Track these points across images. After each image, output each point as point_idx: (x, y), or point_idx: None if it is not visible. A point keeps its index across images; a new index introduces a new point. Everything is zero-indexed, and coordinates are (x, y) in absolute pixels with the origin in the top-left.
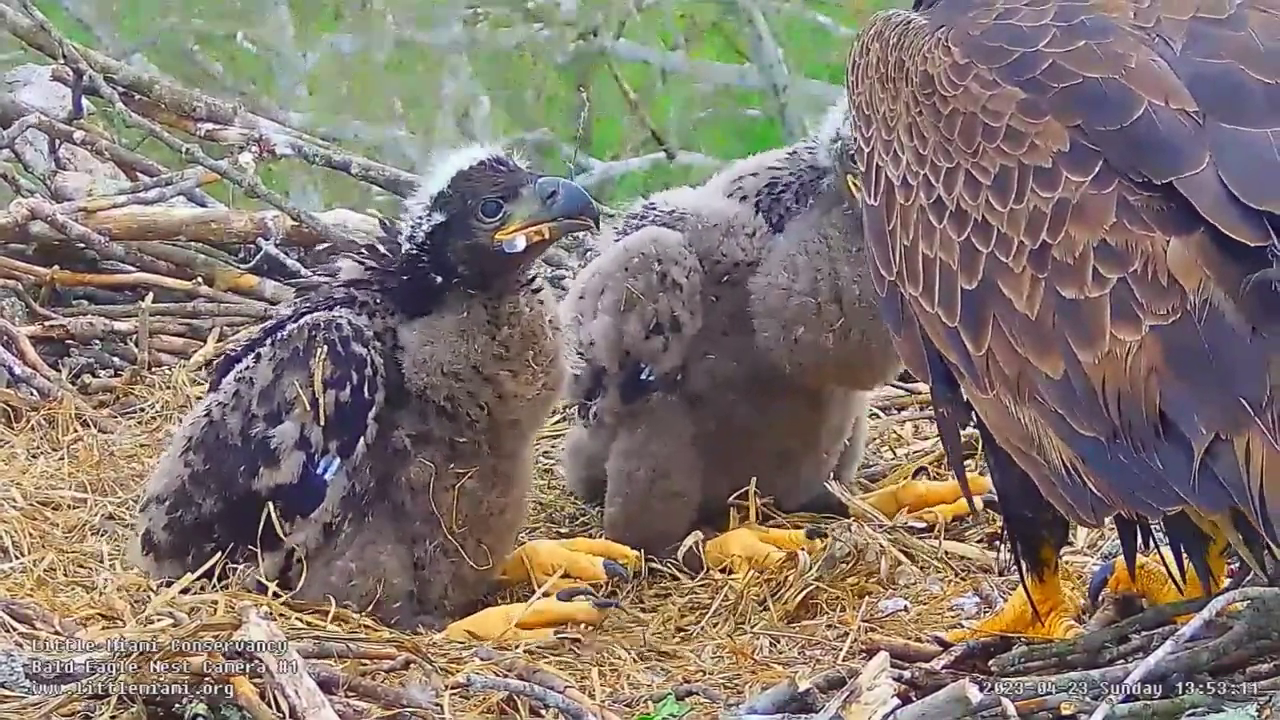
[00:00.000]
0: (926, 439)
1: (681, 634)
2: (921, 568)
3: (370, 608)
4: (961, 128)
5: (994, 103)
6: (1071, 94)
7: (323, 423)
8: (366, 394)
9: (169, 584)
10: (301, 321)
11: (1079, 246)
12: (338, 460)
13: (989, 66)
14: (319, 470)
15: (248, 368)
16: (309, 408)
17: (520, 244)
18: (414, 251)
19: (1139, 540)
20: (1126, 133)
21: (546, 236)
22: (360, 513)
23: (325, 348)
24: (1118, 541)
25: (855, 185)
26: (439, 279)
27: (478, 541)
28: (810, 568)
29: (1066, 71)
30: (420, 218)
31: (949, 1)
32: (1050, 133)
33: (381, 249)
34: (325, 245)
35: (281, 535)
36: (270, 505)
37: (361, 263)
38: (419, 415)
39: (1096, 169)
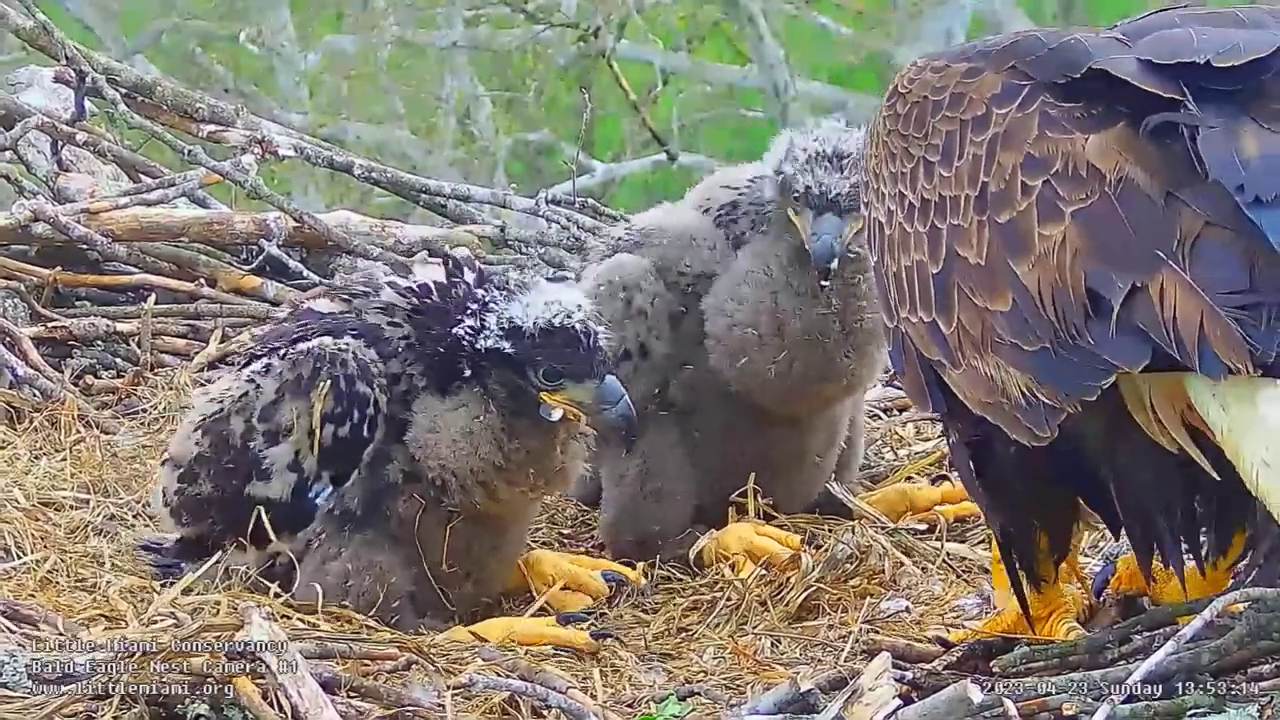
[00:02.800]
0: (928, 440)
1: (684, 634)
2: (923, 569)
3: (370, 607)
4: (916, 118)
5: (941, 80)
6: (1008, 48)
7: (317, 453)
8: (366, 432)
9: (170, 584)
10: (311, 345)
11: (1008, 169)
12: (330, 488)
13: (942, 59)
14: (311, 494)
15: (258, 372)
16: (306, 436)
17: (557, 415)
18: (461, 338)
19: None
20: (1053, 52)
21: (581, 421)
22: (351, 527)
23: (328, 382)
24: (1118, 541)
25: (795, 217)
26: (468, 373)
27: (466, 575)
28: (812, 569)
29: (1008, 38)
30: (489, 329)
31: None
32: (985, 84)
33: (429, 300)
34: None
35: (271, 539)
36: (261, 510)
37: (404, 295)
38: (412, 459)
39: (1023, 95)
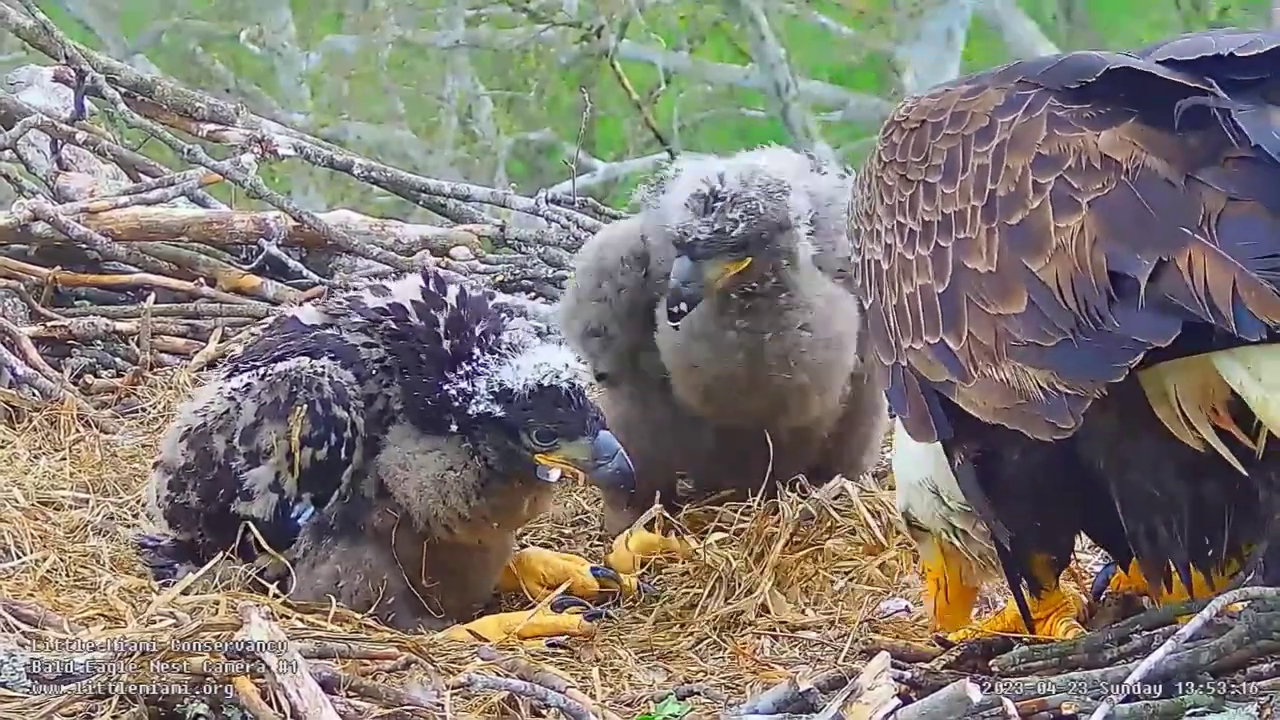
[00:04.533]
0: None
1: (684, 632)
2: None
3: (366, 606)
4: (914, 143)
5: (940, 104)
6: (1014, 69)
7: (297, 475)
8: (344, 454)
9: (169, 584)
10: (288, 367)
11: (1017, 172)
12: (312, 509)
13: (943, 87)
14: (294, 515)
15: (238, 390)
16: (285, 459)
17: (554, 476)
18: (452, 398)
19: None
20: (1063, 63)
21: (579, 480)
22: (330, 540)
23: (304, 407)
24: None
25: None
26: (454, 429)
27: (446, 587)
28: (793, 515)
29: (1011, 61)
30: (479, 393)
31: None
32: (987, 99)
33: (408, 324)
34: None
35: (257, 554)
36: (250, 525)
37: (377, 320)
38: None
39: (1028, 101)
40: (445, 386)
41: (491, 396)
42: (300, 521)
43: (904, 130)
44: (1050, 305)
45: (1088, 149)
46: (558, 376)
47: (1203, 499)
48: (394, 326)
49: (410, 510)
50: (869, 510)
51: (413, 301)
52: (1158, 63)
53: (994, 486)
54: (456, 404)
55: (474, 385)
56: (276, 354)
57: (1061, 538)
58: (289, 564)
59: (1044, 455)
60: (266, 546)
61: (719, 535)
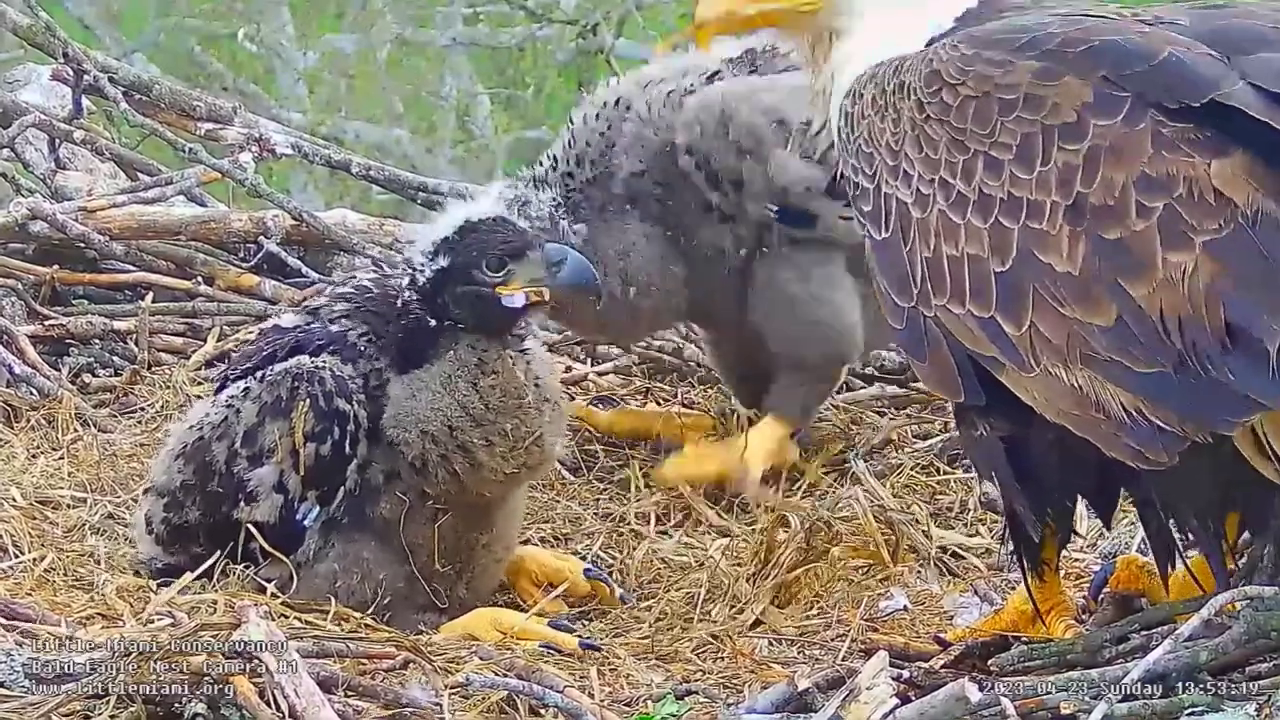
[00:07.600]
0: (927, 438)
1: (685, 626)
2: (920, 564)
3: (362, 607)
4: (975, 112)
5: (1007, 77)
6: (1090, 53)
7: (302, 473)
8: (348, 449)
9: (168, 584)
10: (287, 365)
11: (1117, 186)
12: (317, 508)
13: (998, 51)
14: (299, 516)
15: (236, 396)
16: (289, 457)
17: (520, 301)
18: (413, 298)
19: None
20: (1156, 69)
21: (546, 299)
22: (336, 534)
23: (307, 401)
24: (1117, 540)
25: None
26: (434, 323)
27: (458, 573)
28: (802, 527)
29: (1079, 40)
30: (422, 264)
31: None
32: (1070, 90)
33: (373, 294)
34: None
35: (260, 561)
36: (253, 528)
37: (349, 299)
38: (391, 457)
39: (1125, 109)
40: (401, 296)
41: (430, 255)
42: (306, 523)
43: (959, 94)
44: (1148, 334)
45: (1199, 179)
46: (480, 212)
47: (1232, 496)
48: (361, 301)
49: (426, 445)
50: (878, 521)
51: (371, 279)
52: (1254, 85)
53: (1017, 465)
54: (414, 295)
55: (414, 261)
56: (267, 355)
57: (1067, 513)
58: (295, 567)
59: (1075, 441)
60: (272, 550)
61: (723, 541)
